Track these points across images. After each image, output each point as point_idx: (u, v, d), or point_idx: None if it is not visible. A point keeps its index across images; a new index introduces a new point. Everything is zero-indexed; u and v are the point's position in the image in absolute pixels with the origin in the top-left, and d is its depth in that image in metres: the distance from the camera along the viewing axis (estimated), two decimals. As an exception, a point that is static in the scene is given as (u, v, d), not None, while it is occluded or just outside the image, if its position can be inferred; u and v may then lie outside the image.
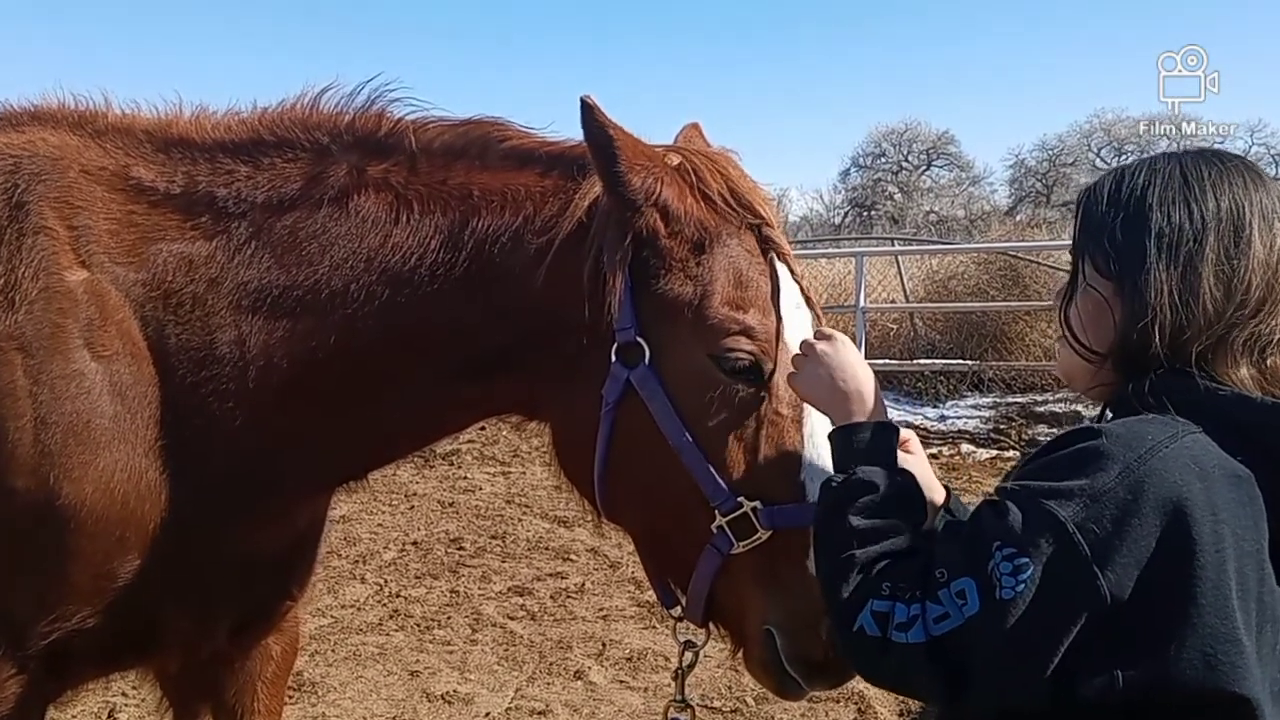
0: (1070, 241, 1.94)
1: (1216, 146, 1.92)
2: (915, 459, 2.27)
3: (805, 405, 2.24)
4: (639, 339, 2.23)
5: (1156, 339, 1.70)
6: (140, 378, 2.35)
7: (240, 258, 2.39)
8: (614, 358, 2.24)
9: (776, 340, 2.24)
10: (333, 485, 2.69)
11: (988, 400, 15.16)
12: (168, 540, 2.38)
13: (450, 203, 2.38)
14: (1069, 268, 1.93)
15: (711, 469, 2.18)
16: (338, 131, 2.48)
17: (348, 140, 2.47)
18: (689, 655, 2.43)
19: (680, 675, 2.45)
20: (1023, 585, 1.54)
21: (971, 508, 2.34)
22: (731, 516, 2.17)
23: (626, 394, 2.24)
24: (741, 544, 2.17)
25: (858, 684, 5.83)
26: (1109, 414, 1.83)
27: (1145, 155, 1.91)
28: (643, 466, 2.25)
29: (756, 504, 2.17)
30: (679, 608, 2.34)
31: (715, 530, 2.18)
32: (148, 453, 2.35)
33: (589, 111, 2.17)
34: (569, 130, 2.28)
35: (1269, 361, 1.72)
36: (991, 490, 1.76)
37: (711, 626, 2.34)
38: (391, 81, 2.53)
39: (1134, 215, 1.77)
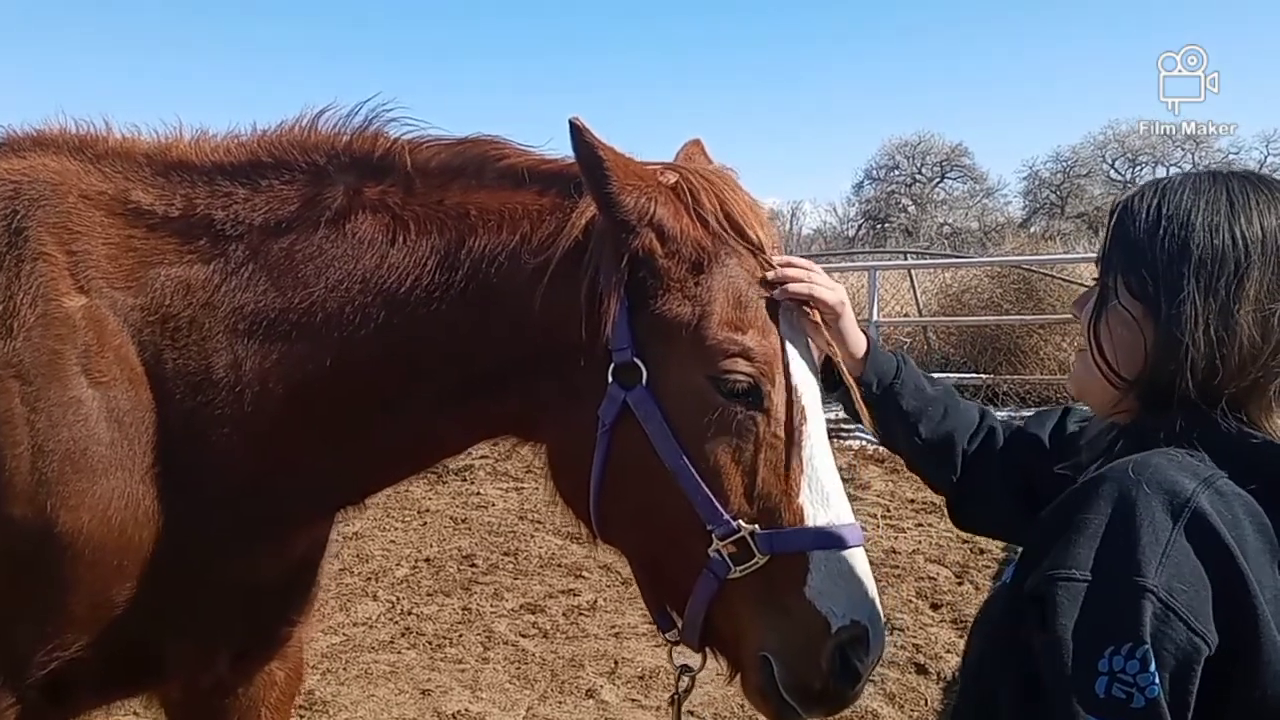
0: (1098, 254, 1.84)
1: (1263, 172, 1.82)
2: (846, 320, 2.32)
3: (805, 428, 2.22)
4: (636, 360, 2.20)
5: (1188, 375, 1.62)
6: (137, 404, 2.33)
7: (237, 281, 2.37)
8: (611, 378, 2.22)
9: (776, 362, 2.22)
10: (332, 510, 2.67)
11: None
12: (166, 568, 2.36)
13: (447, 223, 2.36)
14: (1081, 281, 1.86)
15: (709, 492, 2.15)
16: (335, 153, 2.47)
17: (344, 161, 2.45)
18: (685, 680, 2.40)
19: (677, 701, 2.42)
20: (1153, 676, 1.41)
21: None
22: (728, 541, 2.14)
23: (623, 415, 2.21)
24: (739, 569, 2.15)
25: (871, 701, 5.81)
26: (1121, 441, 1.77)
27: (1189, 171, 1.83)
28: (639, 489, 2.23)
29: (754, 528, 2.14)
30: (675, 631, 2.32)
31: (712, 554, 2.15)
32: (145, 479, 2.33)
33: (577, 133, 2.15)
34: (569, 148, 2.26)
35: None
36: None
37: (709, 650, 2.32)
38: (389, 102, 2.52)
39: (1174, 238, 1.68)
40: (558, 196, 2.34)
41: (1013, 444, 2.38)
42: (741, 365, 2.18)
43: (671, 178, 2.31)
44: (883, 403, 2.40)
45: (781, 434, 2.20)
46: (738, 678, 2.28)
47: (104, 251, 2.39)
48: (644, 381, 2.20)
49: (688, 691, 2.41)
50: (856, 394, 2.36)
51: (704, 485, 2.15)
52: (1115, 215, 1.82)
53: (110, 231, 2.41)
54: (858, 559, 2.19)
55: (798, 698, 2.17)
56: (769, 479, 2.18)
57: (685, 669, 2.39)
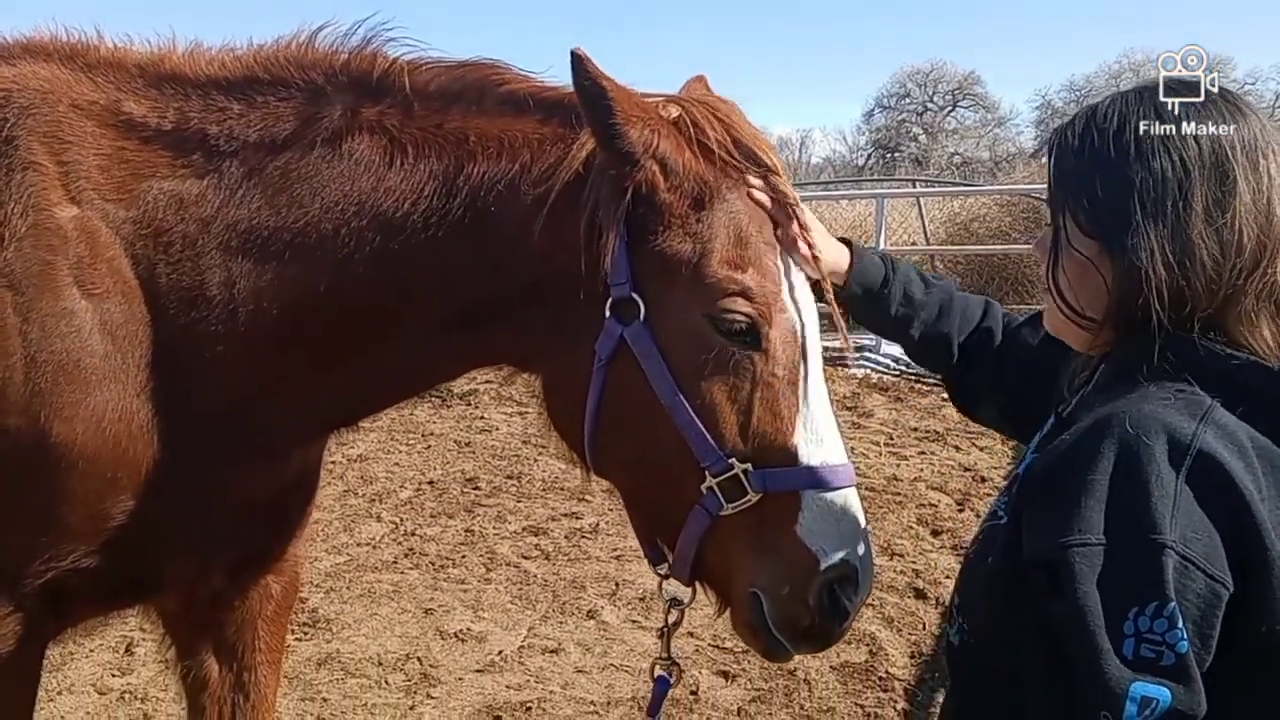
0: (1046, 194, 1.80)
1: (1187, 76, 1.76)
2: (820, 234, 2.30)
3: (802, 367, 2.20)
4: (634, 295, 2.18)
5: (1156, 306, 1.57)
6: (131, 317, 2.31)
7: (231, 198, 2.34)
8: (608, 313, 2.19)
9: (775, 301, 2.20)
10: (324, 431, 2.66)
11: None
12: (160, 481, 2.37)
13: (445, 148, 2.31)
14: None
15: (703, 429, 2.14)
16: (332, 71, 2.42)
17: (342, 81, 2.41)
18: (674, 613, 2.41)
19: (666, 633, 2.44)
20: (1181, 632, 1.40)
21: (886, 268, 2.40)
22: (722, 478, 2.14)
23: (620, 350, 2.19)
24: (731, 506, 2.14)
25: (869, 625, 5.88)
26: (1103, 367, 1.75)
27: (1116, 92, 1.76)
28: (633, 424, 2.22)
29: (748, 466, 2.14)
30: (666, 565, 2.32)
31: (705, 491, 2.15)
32: (139, 393, 2.33)
33: (580, 64, 2.09)
34: (567, 76, 2.20)
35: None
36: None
37: (699, 585, 2.32)
38: (389, 21, 2.46)
39: (1112, 166, 1.63)
40: (559, 126, 2.29)
41: (1006, 347, 2.38)
42: (740, 304, 2.15)
43: (674, 111, 2.26)
44: (870, 309, 2.43)
45: (779, 373, 2.18)
46: (727, 613, 2.29)
47: (95, 162, 2.35)
48: (641, 317, 2.18)
49: (676, 624, 2.43)
50: (838, 315, 2.39)
51: (699, 422, 2.14)
52: (1051, 152, 1.77)
53: (102, 142, 2.37)
54: (849, 499, 2.18)
55: (786, 634, 2.19)
56: (764, 417, 2.17)
57: (675, 602, 2.41)
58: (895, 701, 5.20)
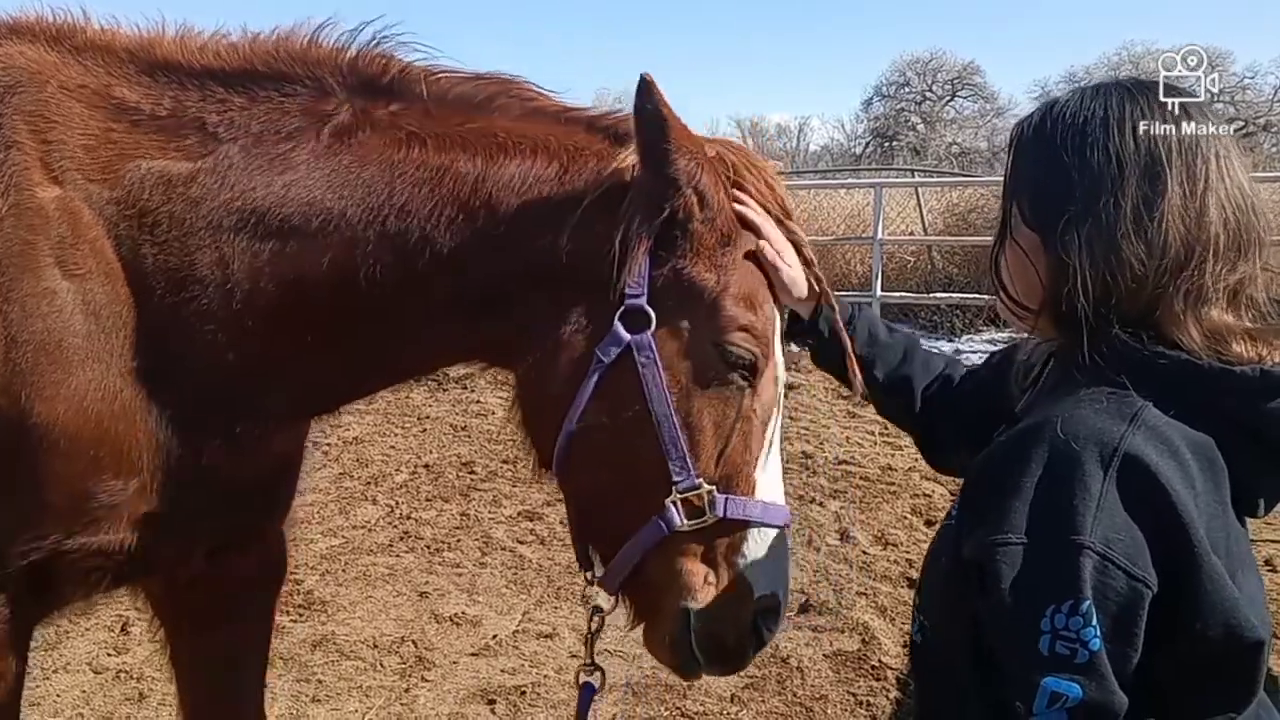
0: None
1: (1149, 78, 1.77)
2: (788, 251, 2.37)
3: (772, 410, 2.34)
4: (647, 307, 2.27)
5: (1081, 300, 1.61)
6: (114, 297, 2.30)
7: (228, 180, 2.32)
8: (617, 320, 2.27)
9: (771, 341, 2.34)
10: (315, 412, 2.67)
11: (1003, 335, 15.11)
12: (144, 462, 2.36)
13: (470, 143, 2.36)
14: None
15: (685, 447, 2.24)
16: (340, 70, 2.42)
17: (351, 81, 2.42)
18: (596, 620, 2.50)
19: (589, 640, 2.52)
20: (1095, 630, 1.44)
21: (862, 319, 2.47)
22: (687, 495, 2.24)
23: (623, 356, 2.27)
24: (689, 523, 2.24)
25: (863, 614, 5.89)
26: (1051, 369, 1.79)
27: (1079, 86, 1.78)
28: (617, 429, 2.29)
29: (713, 489, 2.24)
30: (591, 573, 2.42)
31: (668, 505, 2.24)
32: (123, 373, 2.31)
33: (648, 88, 2.19)
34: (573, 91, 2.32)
35: (1204, 315, 1.61)
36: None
37: (619, 596, 2.41)
38: (396, 24, 2.47)
39: (1057, 160, 1.67)
40: (598, 140, 2.39)
41: (965, 388, 2.42)
42: (748, 340, 2.29)
43: (713, 151, 2.37)
44: (834, 348, 2.46)
45: (759, 410, 2.33)
46: (643, 625, 2.41)
47: (80, 143, 2.33)
48: (651, 329, 2.27)
49: (598, 631, 2.51)
50: (848, 345, 2.44)
51: (682, 439, 2.24)
52: (1012, 142, 1.81)
53: (89, 124, 2.35)
54: (784, 539, 2.36)
55: (708, 652, 2.31)
56: (738, 448, 2.30)
57: (597, 609, 2.49)
58: (888, 690, 5.22)
